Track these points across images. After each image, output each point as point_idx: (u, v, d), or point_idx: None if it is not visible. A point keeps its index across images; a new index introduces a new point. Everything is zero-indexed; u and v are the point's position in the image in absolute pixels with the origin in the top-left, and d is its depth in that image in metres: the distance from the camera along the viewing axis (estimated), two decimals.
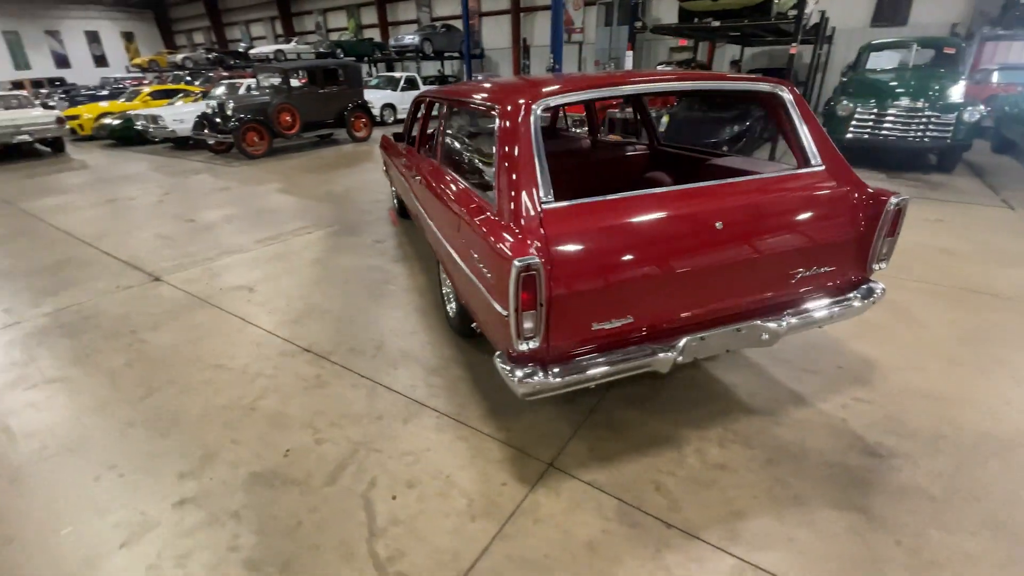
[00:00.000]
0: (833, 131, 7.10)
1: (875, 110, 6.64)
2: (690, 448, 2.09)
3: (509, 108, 1.92)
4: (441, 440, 2.17)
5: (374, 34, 21.69)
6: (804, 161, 2.18)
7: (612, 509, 1.82)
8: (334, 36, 22.15)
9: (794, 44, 6.57)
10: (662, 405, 2.35)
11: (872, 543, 1.65)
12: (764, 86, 2.26)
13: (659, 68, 14.18)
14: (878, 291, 2.20)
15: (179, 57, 22.82)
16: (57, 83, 19.36)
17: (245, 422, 2.33)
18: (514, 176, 1.78)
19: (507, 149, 1.83)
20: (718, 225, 1.87)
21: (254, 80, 10.95)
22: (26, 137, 9.57)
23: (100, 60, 25.81)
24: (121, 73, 23.95)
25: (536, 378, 1.70)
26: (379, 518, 1.81)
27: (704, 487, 1.90)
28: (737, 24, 6.92)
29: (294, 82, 9.96)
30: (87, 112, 11.97)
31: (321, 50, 18.51)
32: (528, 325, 1.63)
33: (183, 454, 2.15)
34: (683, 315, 1.93)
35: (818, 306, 2.12)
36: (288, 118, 9.52)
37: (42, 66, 23.86)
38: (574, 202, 1.80)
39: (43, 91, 17.32)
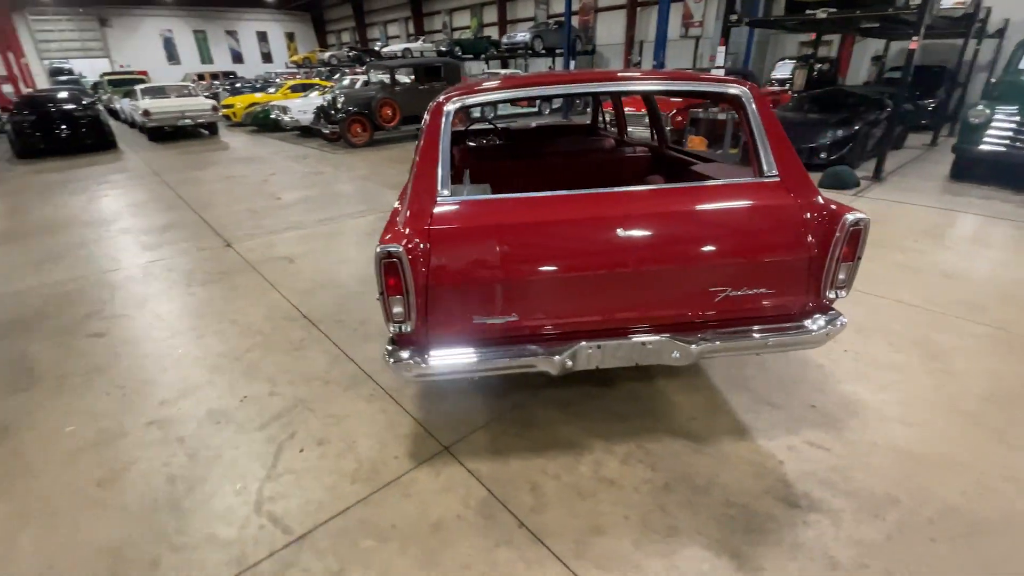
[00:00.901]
0: (964, 141, 5.99)
1: (1017, 118, 5.46)
2: (589, 458, 2.03)
3: (431, 108, 2.02)
4: (367, 410, 2.36)
5: (494, 32, 22.50)
6: (759, 170, 1.98)
7: (478, 499, 1.86)
8: (458, 35, 23.39)
9: (915, 38, 5.62)
10: (587, 412, 2.29)
11: None
12: (722, 87, 2.08)
13: (778, 64, 12.91)
14: (837, 324, 1.93)
15: (326, 55, 25.72)
16: (229, 76, 23.02)
17: (227, 368, 2.72)
18: (417, 171, 1.88)
19: (419, 145, 1.94)
20: (620, 232, 1.80)
21: (366, 76, 12.07)
22: (188, 121, 11.60)
23: (266, 57, 30.12)
24: (281, 69, 27.70)
25: (411, 362, 1.80)
26: (280, 465, 2.05)
27: (581, 498, 1.85)
28: (848, 15, 6.09)
29: (400, 79, 10.80)
30: (240, 102, 14.11)
31: (441, 48, 19.66)
32: (397, 309, 1.73)
33: (171, 386, 2.59)
34: (577, 320, 1.88)
35: (752, 331, 1.92)
36: (389, 112, 10.37)
37: (221, 61, 28.50)
38: (471, 198, 1.86)
39: (216, 83, 20.74)
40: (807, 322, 1.93)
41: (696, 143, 7.57)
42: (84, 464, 2.09)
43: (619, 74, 2.09)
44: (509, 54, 18.94)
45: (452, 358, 1.80)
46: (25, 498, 1.93)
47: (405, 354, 1.81)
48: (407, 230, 1.74)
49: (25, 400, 2.51)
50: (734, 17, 6.98)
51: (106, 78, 18.75)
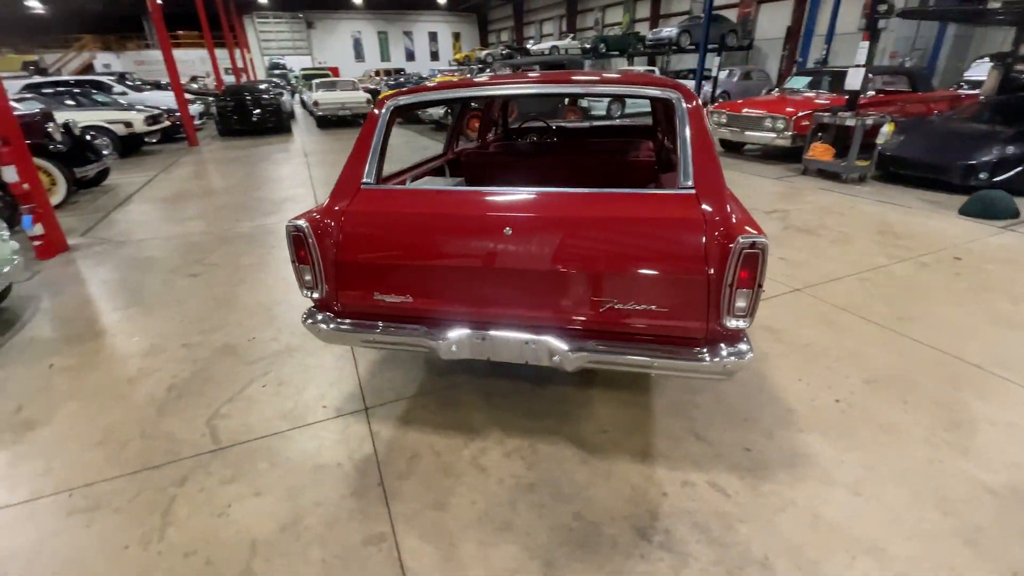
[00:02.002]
0: None
1: None
2: (478, 444, 2.12)
3: (376, 104, 2.25)
4: (333, 366, 2.72)
5: (647, 28, 21.80)
6: (678, 180, 1.84)
7: (362, 455, 2.08)
8: (609, 32, 23.18)
9: None
10: (507, 405, 2.35)
11: None
12: (652, 90, 1.96)
13: (975, 62, 10.48)
14: (743, 357, 1.73)
15: (483, 53, 27.46)
16: (399, 72, 25.95)
17: (255, 314, 3.32)
18: (348, 161, 2.13)
19: (359, 136, 2.18)
20: (507, 231, 1.84)
21: (491, 73, 12.73)
22: (347, 112, 13.47)
23: (434, 55, 33.15)
24: (444, 66, 30.29)
25: (321, 325, 2.07)
26: (243, 393, 2.50)
27: (445, 475, 1.97)
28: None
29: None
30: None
31: (585, 46, 19.72)
32: (307, 277, 2.01)
33: (213, 321, 3.26)
34: (464, 310, 1.97)
35: (639, 348, 1.82)
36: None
37: (397, 58, 32.16)
38: (389, 187, 2.05)
39: (386, 78, 23.55)
40: (703, 350, 1.77)
41: (820, 151, 6.65)
42: (128, 365, 2.79)
43: (551, 78, 2.12)
44: (654, 51, 18.26)
45: (352, 328, 2.04)
46: (80, 383, 2.66)
47: (320, 318, 2.10)
48: (322, 210, 2.01)
49: (122, 315, 3.39)
50: (883, 7, 5.96)
51: (302, 72, 22.46)
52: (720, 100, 13.47)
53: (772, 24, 16.73)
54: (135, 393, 2.54)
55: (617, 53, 19.25)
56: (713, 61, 14.17)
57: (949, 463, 1.95)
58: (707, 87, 14.06)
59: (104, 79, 13.21)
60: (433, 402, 2.40)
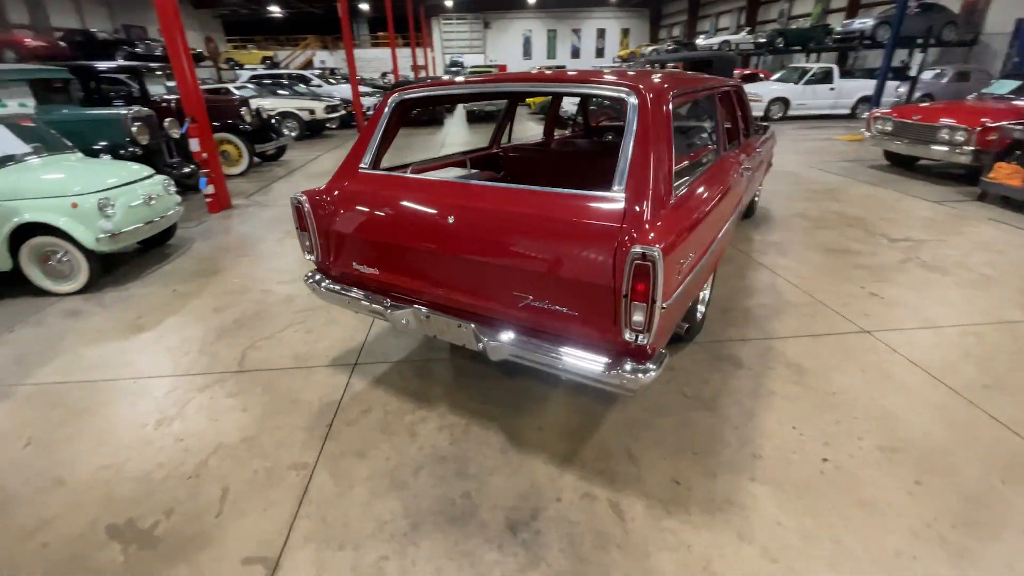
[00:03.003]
0: None
1: None
2: (421, 413, 2.30)
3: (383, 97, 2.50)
4: (353, 325, 3.12)
5: (841, 19, 18.90)
6: (614, 183, 1.76)
7: (329, 401, 2.41)
8: (796, 24, 20.64)
9: None
10: (469, 385, 2.48)
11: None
12: (604, 89, 1.87)
13: None
14: (642, 375, 1.63)
15: (648, 49, 26.60)
16: (558, 69, 26.52)
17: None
18: (352, 147, 2.43)
19: (365, 127, 2.47)
20: (450, 220, 1.97)
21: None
22: (493, 107, 14.30)
23: (599, 52, 33.02)
24: (607, 63, 30.02)
25: (313, 284, 2.43)
26: (279, 333, 3.03)
27: (380, 431, 2.18)
28: None
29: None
30: None
31: (759, 40, 17.89)
32: (305, 243, 2.38)
33: (289, 274, 3.92)
34: (414, 288, 2.14)
35: (550, 347, 1.81)
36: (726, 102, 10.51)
37: (562, 56, 32.77)
38: (379, 172, 2.31)
39: None
40: (599, 360, 1.70)
41: (1005, 173, 5.26)
42: (220, 299, 3.54)
43: (510, 78, 2.23)
44: (843, 45, 15.81)
45: (336, 291, 2.36)
46: (185, 305, 3.46)
47: (316, 278, 2.46)
48: (322, 189, 2.36)
49: (238, 260, 4.26)
50: None
51: (470, 70, 24.27)
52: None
53: (1005, 15, 13.21)
54: (214, 319, 3.25)
55: (799, 48, 17.09)
56: (915, 58, 11.78)
57: (924, 565, 1.57)
58: (903, 88, 11.78)
59: (306, 73, 15.93)
60: (409, 370, 2.64)
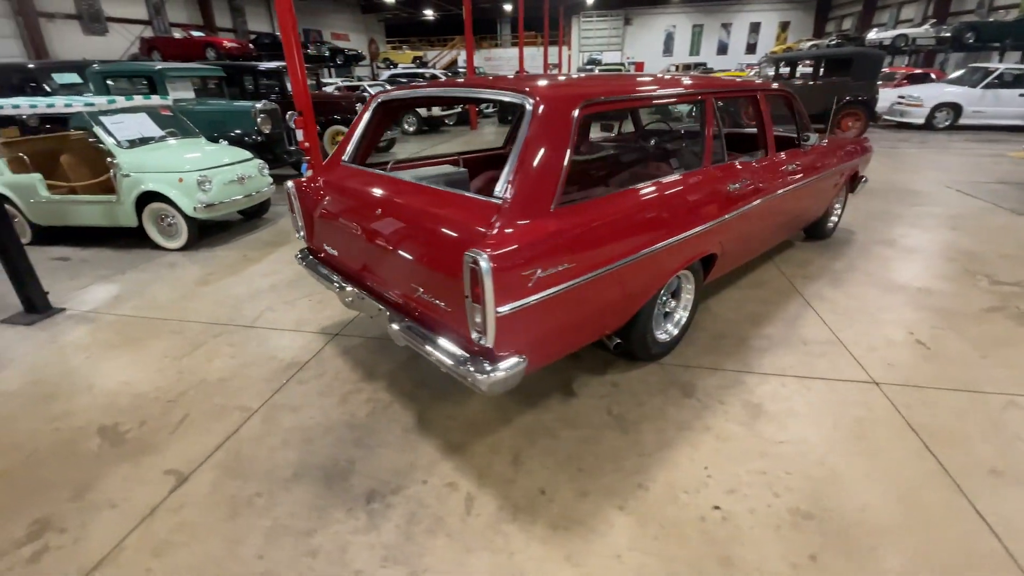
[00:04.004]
0: None
1: None
2: (360, 384, 2.53)
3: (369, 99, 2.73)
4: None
5: None
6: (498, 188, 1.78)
7: (299, 360, 2.76)
8: (1003, 15, 16.89)
9: None
10: (413, 368, 2.66)
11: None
12: (506, 95, 1.87)
13: None
14: (485, 375, 1.66)
15: (807, 44, 23.80)
16: (698, 67, 24.88)
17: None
18: (343, 142, 2.71)
19: (352, 124, 2.74)
20: (365, 209, 2.17)
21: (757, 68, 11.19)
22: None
23: (751, 48, 30.24)
24: (754, 60, 27.46)
25: (300, 262, 2.79)
26: (296, 300, 3.50)
27: (320, 395, 2.47)
28: None
29: (805, 71, 9.62)
30: None
31: (943, 35, 15.02)
32: (297, 223, 2.73)
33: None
34: (355, 272, 2.37)
35: (433, 339, 1.91)
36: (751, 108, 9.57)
37: (707, 53, 30.66)
38: (354, 166, 2.57)
39: (678, 72, 23.09)
40: (458, 354, 1.76)
41: None
42: (270, 267, 4.16)
43: (440, 84, 2.41)
44: None
45: (311, 268, 2.69)
46: (247, 269, 4.13)
47: (302, 255, 2.83)
48: (309, 177, 2.70)
49: None
50: None
51: (597, 68, 24.01)
52: None
53: None
54: (259, 282, 3.85)
55: (996, 45, 14.02)
56: None
57: None
58: None
59: (437, 72, 17.16)
60: (375, 346, 2.90)
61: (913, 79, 11.76)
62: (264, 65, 8.68)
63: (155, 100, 4.80)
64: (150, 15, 17.62)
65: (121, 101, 4.46)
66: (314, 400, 2.45)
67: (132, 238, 4.78)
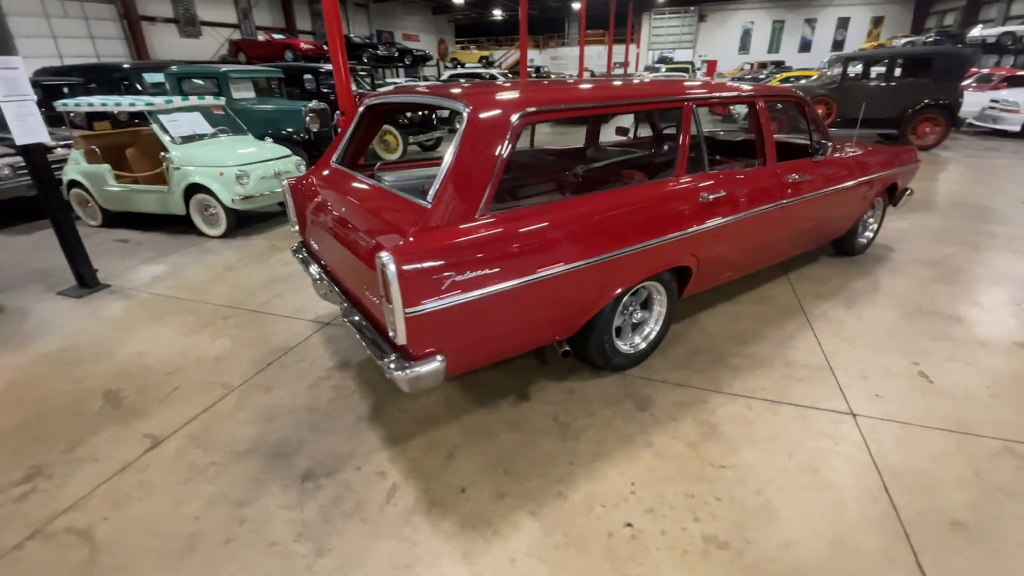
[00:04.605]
0: None
1: None
2: (333, 370, 2.69)
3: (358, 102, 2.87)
4: None
5: None
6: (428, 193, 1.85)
7: (289, 345, 2.97)
8: None
9: None
10: None
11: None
12: (448, 103, 1.90)
13: None
14: (398, 371, 1.73)
15: (901, 42, 21.79)
16: (774, 65, 23.40)
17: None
18: (333, 144, 2.87)
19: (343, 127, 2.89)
20: (328, 201, 2.31)
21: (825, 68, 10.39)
22: None
23: (837, 45, 28.01)
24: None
25: (293, 252, 2.99)
26: (305, 289, 3.75)
27: (297, 379, 2.65)
28: None
29: (878, 71, 8.85)
30: None
31: None
32: (291, 218, 2.93)
33: None
34: (327, 264, 2.52)
35: (374, 334, 2.01)
36: (820, 110, 8.93)
37: (787, 50, 28.75)
38: (340, 167, 2.72)
39: (751, 71, 21.78)
40: (383, 350, 1.84)
41: None
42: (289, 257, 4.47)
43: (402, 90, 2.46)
44: None
45: (299, 258, 2.89)
46: (271, 258, 4.46)
47: (296, 247, 3.03)
48: (301, 176, 2.89)
49: None
50: None
51: (664, 67, 23.26)
52: None
53: None
54: (276, 270, 4.15)
55: None
56: None
57: None
58: None
59: (496, 72, 17.35)
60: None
61: (1013, 82, 10.44)
62: (325, 67, 9.23)
63: (209, 100, 5.28)
64: (239, 19, 19.18)
65: (177, 101, 4.95)
66: (288, 383, 2.63)
67: (182, 225, 5.30)
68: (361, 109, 2.80)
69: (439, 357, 1.80)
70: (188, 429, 2.31)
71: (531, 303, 1.95)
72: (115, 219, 5.52)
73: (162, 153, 4.74)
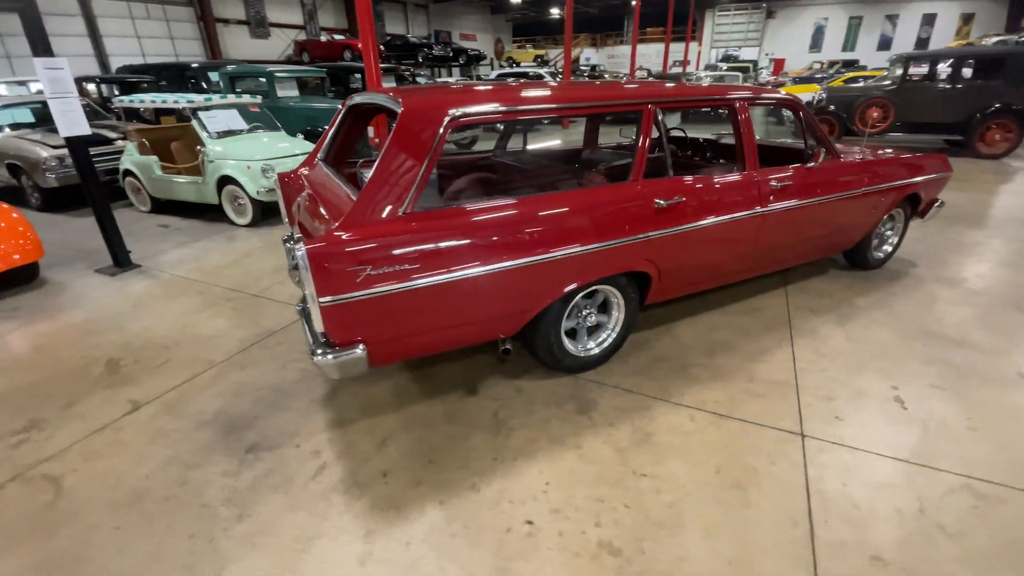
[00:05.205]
0: None
1: None
2: (299, 356, 2.86)
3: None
4: None
5: None
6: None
7: (277, 327, 3.18)
8: None
9: None
10: None
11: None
12: (391, 104, 1.98)
13: None
14: (315, 356, 1.85)
15: (991, 40, 19.82)
16: (847, 64, 21.85)
17: None
18: (319, 141, 3.04)
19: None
20: (305, 205, 2.46)
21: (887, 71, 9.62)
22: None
23: (921, 43, 25.73)
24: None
25: (282, 243, 3.20)
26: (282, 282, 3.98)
27: (273, 359, 2.84)
28: None
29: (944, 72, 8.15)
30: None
31: None
32: (282, 210, 3.14)
33: None
34: None
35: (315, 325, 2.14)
36: (876, 113, 8.32)
37: (865, 48, 26.74)
38: (323, 164, 2.89)
39: (821, 70, 20.47)
40: (318, 338, 1.96)
41: None
42: None
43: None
44: None
45: (287, 243, 3.08)
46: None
47: (285, 238, 3.23)
48: (290, 171, 3.08)
49: None
50: None
51: (725, 65, 22.33)
52: None
53: None
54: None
55: None
56: None
57: None
58: None
59: (543, 71, 17.34)
60: None
61: None
62: (350, 66, 9.65)
63: (245, 98, 5.68)
64: (304, 20, 20.28)
65: (216, 99, 5.37)
66: (263, 363, 2.84)
67: (217, 214, 5.74)
68: (344, 108, 2.95)
69: (360, 347, 1.90)
70: (165, 398, 2.55)
71: (456, 301, 2.01)
72: (163, 206, 6.06)
73: (198, 147, 5.16)
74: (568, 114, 2.33)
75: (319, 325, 1.82)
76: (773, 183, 2.79)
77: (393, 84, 10.36)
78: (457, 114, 1.96)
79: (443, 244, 1.91)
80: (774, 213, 2.82)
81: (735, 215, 2.67)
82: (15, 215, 3.88)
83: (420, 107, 1.96)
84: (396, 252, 1.83)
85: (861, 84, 9.88)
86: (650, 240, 2.40)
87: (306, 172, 2.88)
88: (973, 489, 1.91)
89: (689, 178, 2.56)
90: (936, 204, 3.90)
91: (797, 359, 2.74)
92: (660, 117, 2.51)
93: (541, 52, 30.56)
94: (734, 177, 2.69)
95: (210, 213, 5.83)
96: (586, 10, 30.98)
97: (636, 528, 1.77)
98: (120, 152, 6.04)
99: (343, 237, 1.78)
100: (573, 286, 2.27)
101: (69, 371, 2.81)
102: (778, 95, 2.97)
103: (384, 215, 1.86)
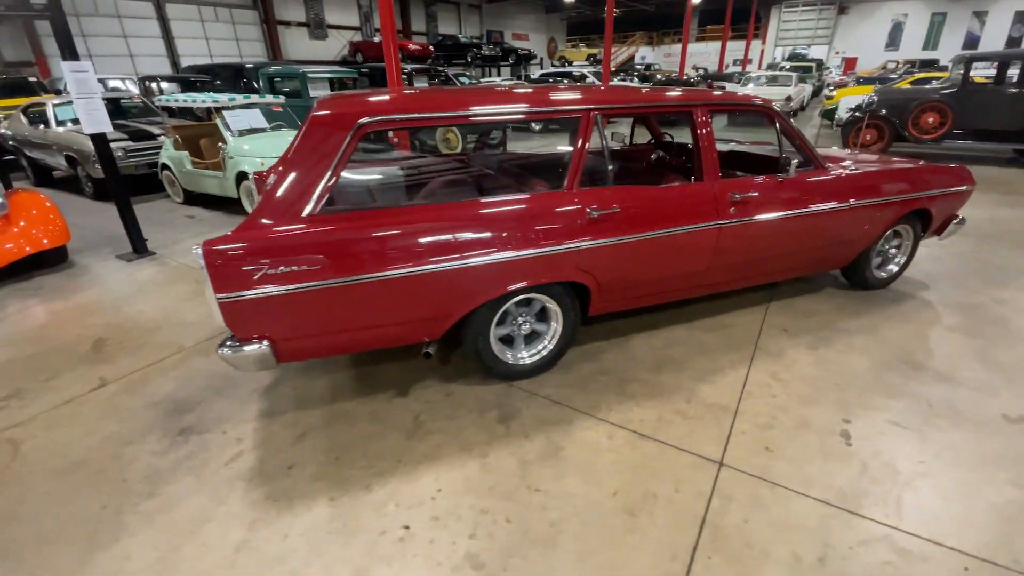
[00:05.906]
0: None
1: None
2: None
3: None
4: None
5: None
6: None
7: None
8: None
9: None
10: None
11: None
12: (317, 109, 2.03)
13: None
14: (219, 349, 1.95)
15: None
16: (925, 64, 20.03)
17: None
18: None
19: None
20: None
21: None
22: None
23: (1013, 42, 23.14)
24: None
25: None
26: None
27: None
28: None
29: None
30: (840, 95, 13.26)
31: None
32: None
33: None
34: None
35: None
36: (932, 119, 7.62)
37: (949, 47, 24.44)
38: None
39: (896, 69, 18.90)
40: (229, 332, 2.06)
41: None
42: None
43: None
44: None
45: None
46: None
47: None
48: (267, 170, 3.23)
49: None
50: None
51: (788, 64, 21.15)
52: None
53: None
54: None
55: None
56: None
57: None
58: None
59: (588, 72, 17.10)
60: None
61: None
62: (407, 67, 9.91)
63: (268, 98, 6.00)
64: (360, 22, 21.07)
65: (239, 99, 5.70)
66: None
67: (238, 206, 6.10)
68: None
69: (264, 343, 1.98)
70: (130, 378, 2.77)
71: (364, 303, 2.05)
72: (194, 198, 6.52)
73: (220, 143, 5.52)
74: (488, 122, 2.30)
75: (218, 319, 1.92)
76: (735, 195, 2.64)
77: (425, 84, 10.60)
78: (366, 122, 2.00)
79: (346, 247, 1.95)
80: (734, 227, 2.67)
81: (686, 227, 2.55)
82: (48, 204, 4.31)
83: (329, 114, 2.01)
84: (295, 254, 1.90)
85: (928, 87, 9.07)
86: (581, 250, 2.34)
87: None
88: (893, 542, 1.74)
89: (634, 188, 2.48)
90: (955, 221, 3.55)
91: (749, 382, 2.59)
92: (600, 124, 2.43)
93: (595, 51, 30.13)
94: (688, 188, 2.57)
95: (232, 206, 6.21)
96: (643, 7, 30.23)
97: (509, 544, 1.75)
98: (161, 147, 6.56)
99: (240, 235, 1.87)
100: (499, 293, 2.25)
101: (61, 347, 3.11)
102: (748, 101, 2.80)
103: (287, 217, 1.93)
